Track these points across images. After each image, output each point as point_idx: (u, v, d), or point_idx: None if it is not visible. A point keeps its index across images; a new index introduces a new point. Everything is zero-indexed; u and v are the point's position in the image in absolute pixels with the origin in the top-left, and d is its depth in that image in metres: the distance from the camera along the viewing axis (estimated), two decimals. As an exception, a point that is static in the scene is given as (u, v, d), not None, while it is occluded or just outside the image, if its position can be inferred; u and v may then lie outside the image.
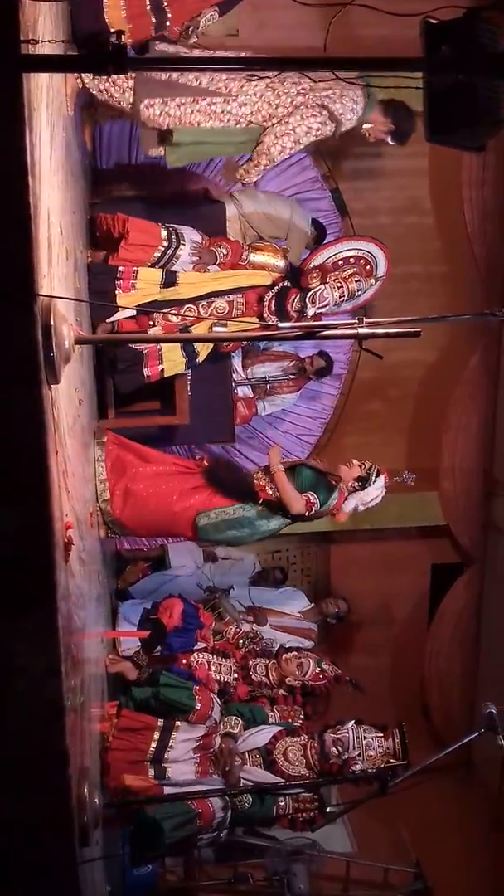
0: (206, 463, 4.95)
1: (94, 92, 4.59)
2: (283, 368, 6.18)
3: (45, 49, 2.63)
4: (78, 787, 2.79)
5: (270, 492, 4.75)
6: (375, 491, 4.93)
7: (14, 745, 2.51)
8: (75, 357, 3.07)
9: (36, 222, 2.43)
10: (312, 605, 6.14)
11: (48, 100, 3.03)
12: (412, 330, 2.63)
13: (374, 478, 4.89)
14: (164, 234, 5.24)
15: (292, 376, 6.18)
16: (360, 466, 4.89)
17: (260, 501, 4.74)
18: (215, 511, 4.70)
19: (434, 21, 2.23)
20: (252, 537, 4.96)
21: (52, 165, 3.08)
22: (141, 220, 5.24)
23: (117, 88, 4.61)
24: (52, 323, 2.49)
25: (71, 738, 2.68)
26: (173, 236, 5.27)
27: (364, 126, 5.14)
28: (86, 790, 2.89)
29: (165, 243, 5.23)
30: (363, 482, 4.87)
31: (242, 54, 4.99)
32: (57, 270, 3.06)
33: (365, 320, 2.69)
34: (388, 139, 5.26)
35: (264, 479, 4.78)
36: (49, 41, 2.53)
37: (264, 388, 6.15)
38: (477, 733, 3.64)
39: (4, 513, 2.38)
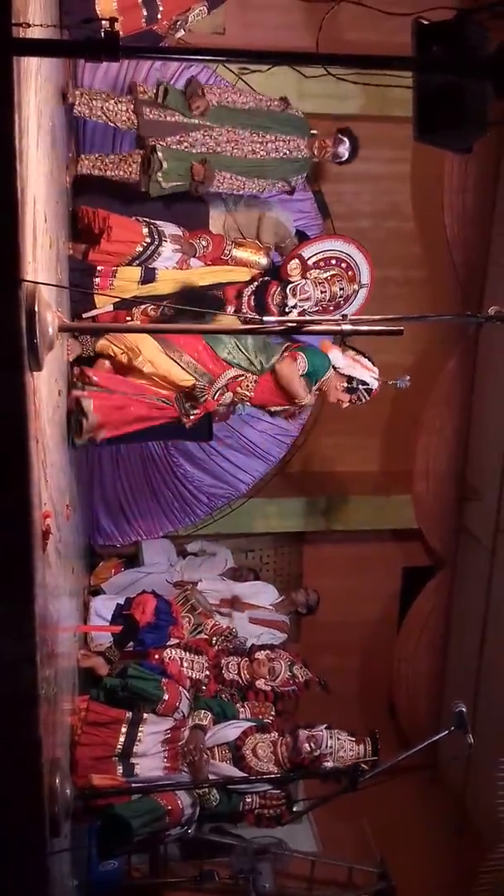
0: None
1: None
2: None
3: (36, 35, 2.62)
4: (50, 777, 2.78)
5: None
6: (368, 370, 5.10)
7: (-14, 732, 2.49)
8: (55, 349, 3.06)
9: (23, 207, 2.42)
10: (283, 597, 6.15)
11: (36, 87, 3.02)
12: (395, 328, 2.65)
13: (369, 359, 5.12)
14: (145, 230, 5.23)
15: None
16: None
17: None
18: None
19: (425, 22, 2.26)
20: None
21: (38, 153, 3.07)
22: (122, 217, 5.22)
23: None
24: (36, 309, 2.48)
25: (44, 729, 2.66)
26: (154, 233, 5.26)
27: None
28: (57, 781, 2.88)
29: (147, 240, 5.22)
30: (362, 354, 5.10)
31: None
32: (41, 259, 3.05)
33: (349, 317, 2.70)
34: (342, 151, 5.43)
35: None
36: (41, 25, 2.52)
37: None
38: (447, 731, 3.67)
39: (-17, 498, 2.36)
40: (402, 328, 2.68)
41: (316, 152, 5.33)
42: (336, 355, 5.05)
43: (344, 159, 5.44)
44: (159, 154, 4.95)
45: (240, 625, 5.74)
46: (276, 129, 5.20)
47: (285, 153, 5.23)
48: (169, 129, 4.93)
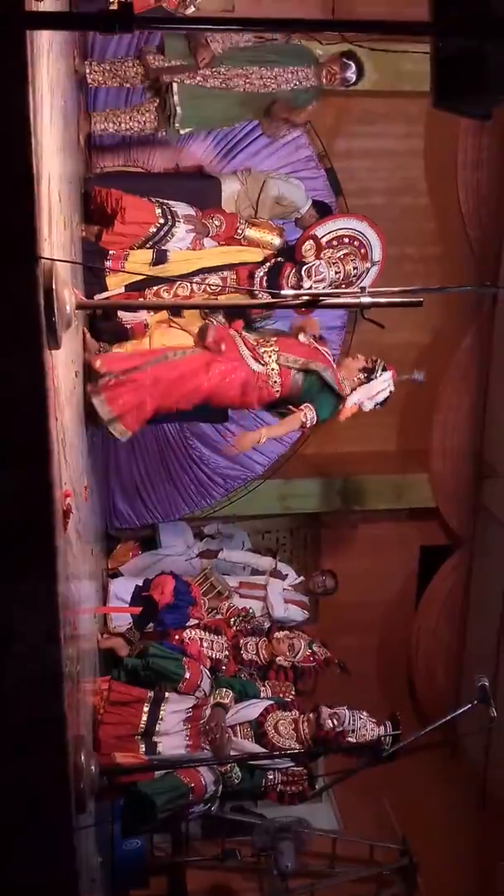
0: (219, 344, 4.43)
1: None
2: None
3: (46, 9, 2.59)
4: (75, 754, 2.80)
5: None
6: (381, 384, 4.79)
7: (13, 708, 2.51)
8: (71, 330, 3.05)
9: (38, 184, 2.40)
10: (301, 579, 6.16)
11: (48, 64, 2.99)
12: (415, 300, 2.63)
13: (379, 371, 4.79)
14: (158, 211, 5.21)
15: None
16: (366, 359, 4.82)
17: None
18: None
19: (443, -15, 2.21)
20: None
21: (52, 131, 3.05)
22: (135, 197, 5.20)
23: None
24: (53, 286, 2.47)
25: (68, 707, 2.68)
26: (168, 214, 5.24)
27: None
28: (83, 758, 2.90)
29: (161, 220, 5.21)
30: (368, 374, 4.77)
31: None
32: (56, 238, 3.04)
33: (367, 289, 2.68)
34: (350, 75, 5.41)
35: None
36: (54, -2, 2.49)
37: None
38: (470, 705, 3.67)
39: (5, 476, 2.36)
40: (421, 299, 2.66)
41: (325, 80, 5.35)
42: (350, 399, 4.76)
43: (352, 82, 5.44)
44: (174, 89, 4.98)
45: (273, 594, 5.74)
46: (282, 62, 5.23)
47: (295, 84, 5.27)
48: (176, 71, 4.96)
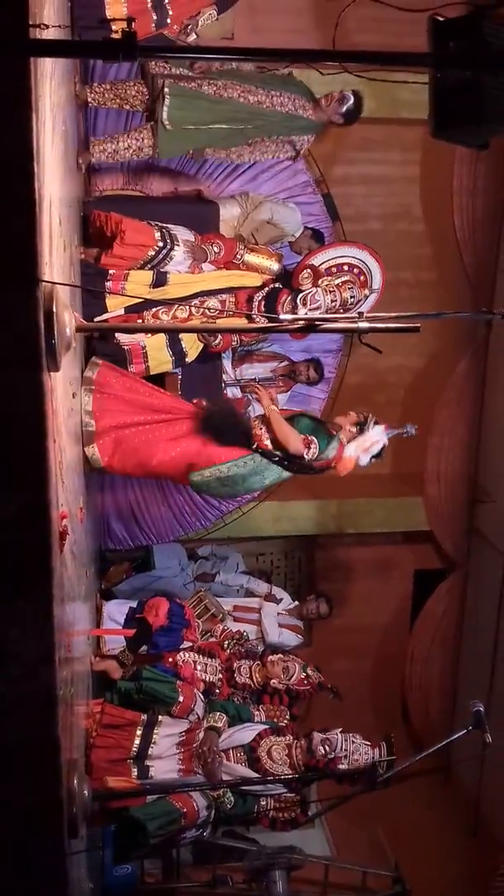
0: (203, 405, 4.68)
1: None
2: (273, 370, 6.20)
3: (50, 36, 2.63)
4: (68, 778, 2.77)
5: (267, 442, 4.59)
6: (375, 436, 4.80)
7: (6, 731, 2.49)
8: (69, 353, 3.06)
9: (40, 208, 2.42)
10: (296, 603, 6.15)
11: (50, 90, 3.03)
12: (412, 325, 2.65)
13: (371, 423, 4.81)
14: (157, 234, 5.25)
15: (282, 378, 6.20)
16: (357, 414, 4.84)
17: (255, 448, 4.57)
18: (209, 470, 4.52)
19: (441, 18, 2.26)
20: (248, 491, 4.83)
21: (53, 155, 3.08)
22: (135, 221, 5.25)
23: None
24: (54, 309, 2.49)
25: (62, 730, 2.66)
26: (167, 237, 5.28)
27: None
28: (75, 782, 2.87)
29: (160, 244, 5.24)
30: (360, 426, 4.79)
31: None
32: (56, 260, 3.06)
33: (364, 314, 2.70)
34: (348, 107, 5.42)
35: (260, 428, 4.62)
36: (59, 26, 2.53)
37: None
38: (465, 731, 3.65)
39: (2, 496, 2.36)
40: (418, 325, 2.68)
41: (323, 103, 5.34)
42: (347, 450, 4.78)
43: (349, 116, 5.43)
44: (166, 87, 4.96)
45: (267, 618, 5.73)
46: (282, 88, 5.24)
47: (290, 109, 5.26)
48: (174, 77, 4.98)
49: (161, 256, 5.24)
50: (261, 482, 4.70)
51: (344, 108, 5.36)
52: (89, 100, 5.03)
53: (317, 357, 6.28)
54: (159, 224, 5.32)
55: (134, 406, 4.54)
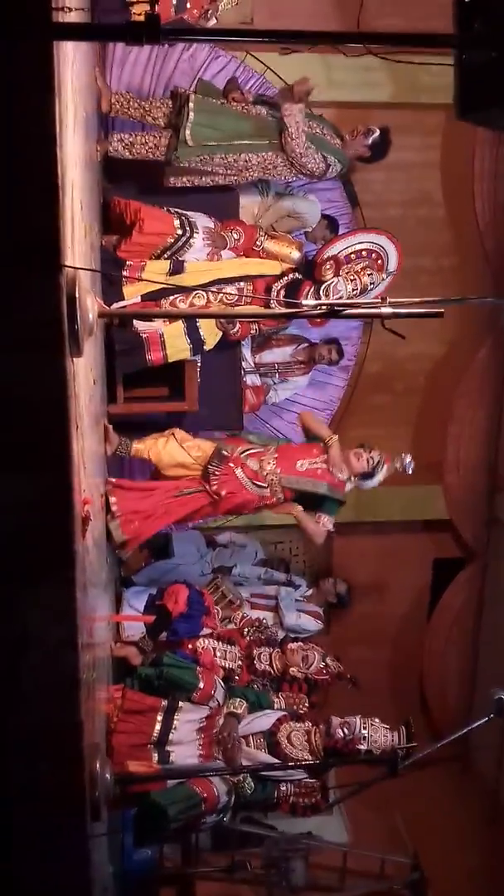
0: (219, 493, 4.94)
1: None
2: (293, 352, 6.17)
3: (73, 20, 2.62)
4: (90, 762, 2.79)
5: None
6: (379, 479, 5.23)
7: (29, 715, 2.51)
8: (91, 338, 3.07)
9: (63, 193, 2.42)
10: (313, 589, 6.15)
11: (72, 75, 3.02)
12: (436, 311, 2.63)
13: (378, 473, 5.18)
14: (177, 222, 5.23)
15: (301, 361, 6.17)
16: (367, 461, 5.13)
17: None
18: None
19: (467, -1, 2.23)
20: None
21: (75, 140, 3.08)
22: (154, 209, 5.23)
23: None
24: (77, 295, 2.49)
25: (84, 714, 2.68)
26: (186, 225, 5.26)
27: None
28: (98, 765, 2.89)
29: (179, 231, 5.22)
30: (367, 476, 5.18)
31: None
32: (78, 246, 3.06)
33: (388, 300, 2.69)
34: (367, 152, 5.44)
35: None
36: (82, 9, 2.52)
37: (274, 376, 6.16)
38: (486, 718, 3.65)
39: (25, 480, 2.37)
40: (442, 310, 2.66)
41: (348, 138, 5.32)
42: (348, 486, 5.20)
43: (376, 149, 5.42)
44: (192, 100, 4.96)
45: (284, 601, 5.77)
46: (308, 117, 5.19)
47: (317, 132, 5.22)
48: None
49: (181, 244, 5.23)
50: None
51: (370, 140, 5.34)
52: (112, 109, 5.07)
53: (336, 338, 6.26)
54: (179, 211, 5.30)
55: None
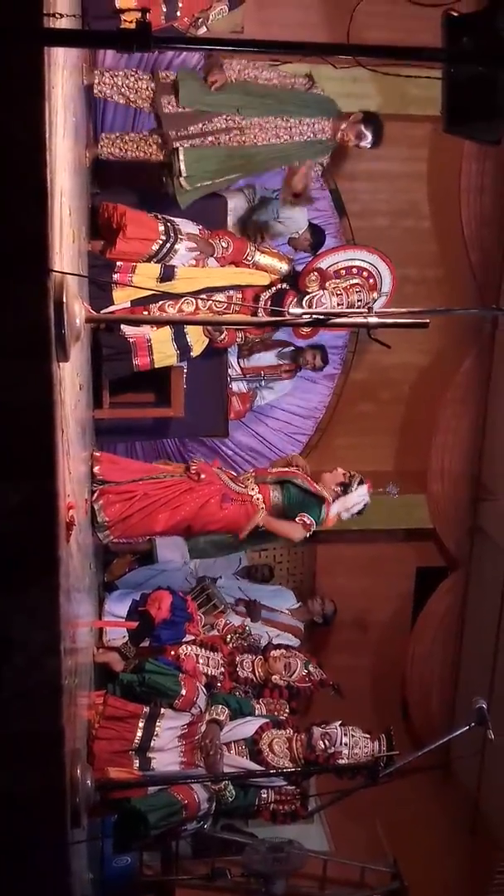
0: (198, 474, 4.89)
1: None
2: (279, 355, 6.19)
3: (64, 26, 2.63)
4: (71, 768, 2.78)
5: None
6: (358, 497, 5.07)
7: (10, 720, 2.50)
8: (77, 344, 3.07)
9: (52, 198, 2.43)
10: (300, 604, 6.16)
11: (62, 80, 3.03)
12: (420, 321, 2.65)
13: (355, 485, 5.07)
14: (161, 227, 5.24)
15: (286, 363, 6.19)
16: (343, 474, 5.08)
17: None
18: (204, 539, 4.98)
19: (455, 13, 2.26)
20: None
21: (64, 146, 3.08)
22: (138, 213, 5.24)
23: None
24: (64, 300, 2.49)
25: (66, 719, 2.67)
26: (171, 230, 5.27)
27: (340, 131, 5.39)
28: (78, 772, 2.88)
29: (163, 237, 5.23)
30: (345, 488, 5.04)
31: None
32: (66, 251, 3.06)
33: (374, 310, 2.71)
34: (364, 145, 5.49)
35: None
36: (73, 16, 2.53)
37: (259, 381, 6.18)
38: (467, 727, 3.66)
39: (10, 486, 2.37)
40: (427, 321, 2.68)
41: (339, 139, 5.38)
42: (332, 510, 5.06)
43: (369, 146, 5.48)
44: (181, 157, 4.97)
45: (257, 627, 5.75)
46: (300, 112, 5.22)
47: (309, 136, 5.27)
48: (189, 119, 4.95)
49: (165, 250, 5.24)
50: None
51: (361, 144, 5.44)
52: (95, 91, 5.00)
53: (322, 344, 6.28)
54: (165, 217, 5.31)
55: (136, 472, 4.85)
